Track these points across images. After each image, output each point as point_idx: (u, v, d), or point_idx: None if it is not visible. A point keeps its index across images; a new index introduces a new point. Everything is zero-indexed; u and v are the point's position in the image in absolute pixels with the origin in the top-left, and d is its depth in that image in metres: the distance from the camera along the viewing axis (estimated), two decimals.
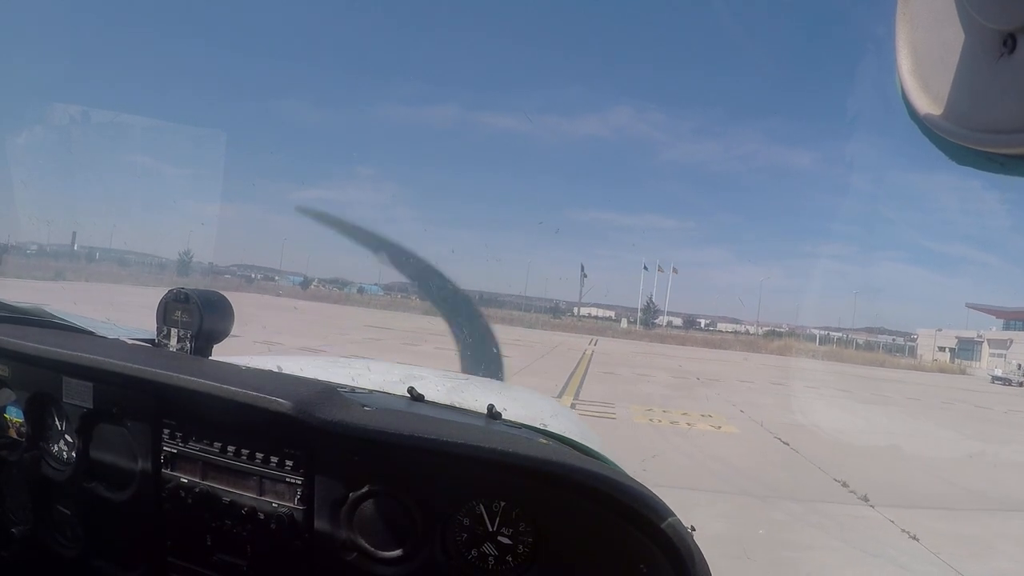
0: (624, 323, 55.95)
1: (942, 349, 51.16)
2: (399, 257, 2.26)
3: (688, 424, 9.00)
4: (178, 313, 1.23)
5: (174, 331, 1.23)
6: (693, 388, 14.30)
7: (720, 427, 9.09)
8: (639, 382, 14.23)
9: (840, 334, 57.27)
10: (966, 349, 49.49)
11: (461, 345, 2.31)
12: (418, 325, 24.80)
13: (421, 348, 15.55)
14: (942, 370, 42.17)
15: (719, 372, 19.32)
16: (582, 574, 0.96)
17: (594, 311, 60.38)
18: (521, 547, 0.98)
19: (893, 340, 58.67)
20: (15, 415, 1.27)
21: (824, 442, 8.75)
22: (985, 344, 48.42)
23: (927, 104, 0.44)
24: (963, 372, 42.52)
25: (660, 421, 9.01)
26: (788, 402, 13.18)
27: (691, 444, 7.73)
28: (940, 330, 52.65)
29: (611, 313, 61.42)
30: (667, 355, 26.32)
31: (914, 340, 56.58)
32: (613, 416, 8.88)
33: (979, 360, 47.44)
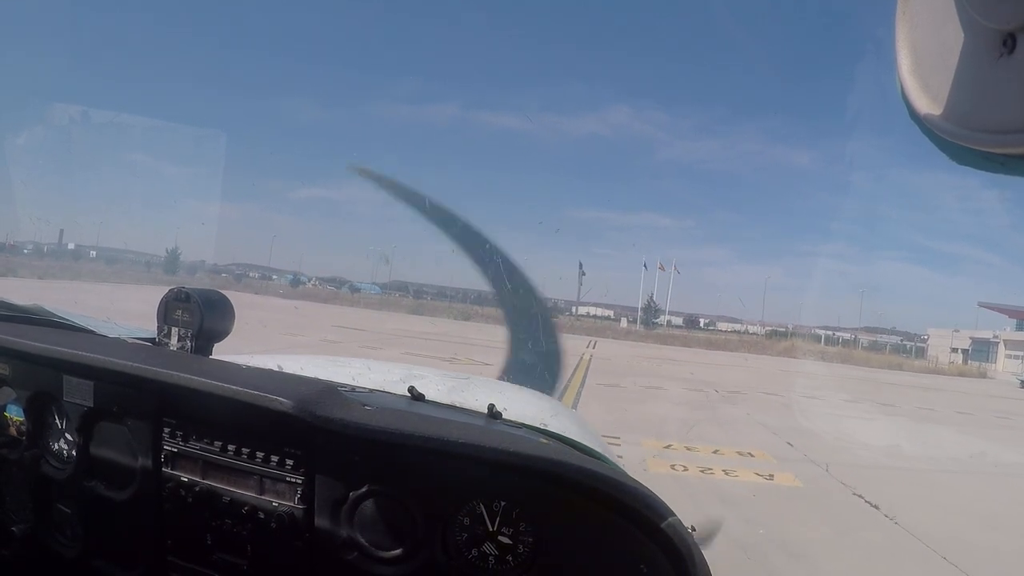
0: (624, 323, 53.24)
1: (955, 350, 48.84)
2: (472, 240, 2.06)
3: (725, 472, 6.33)
4: (179, 312, 1.22)
5: (175, 330, 1.23)
6: (715, 406, 11.58)
7: (772, 476, 6.41)
8: (648, 399, 11.52)
9: (845, 334, 54.94)
10: (980, 350, 47.14)
11: (515, 357, 2.15)
12: (398, 326, 22.32)
13: (383, 353, 12.88)
14: (961, 373, 39.69)
15: (738, 381, 16.61)
16: (582, 574, 0.96)
17: (593, 310, 57.67)
18: (521, 547, 0.98)
19: (901, 341, 56.40)
20: (16, 414, 1.27)
21: (922, 499, 6.12)
22: (1001, 345, 46.12)
23: (927, 104, 0.44)
24: (983, 375, 40.09)
25: (685, 468, 6.32)
26: (836, 425, 10.47)
27: (738, 515, 5.07)
28: (957, 330, 50.20)
29: (610, 312, 58.72)
30: (673, 359, 23.60)
31: (924, 341, 54.31)
32: (619, 460, 6.21)
33: (995, 362, 45.14)
